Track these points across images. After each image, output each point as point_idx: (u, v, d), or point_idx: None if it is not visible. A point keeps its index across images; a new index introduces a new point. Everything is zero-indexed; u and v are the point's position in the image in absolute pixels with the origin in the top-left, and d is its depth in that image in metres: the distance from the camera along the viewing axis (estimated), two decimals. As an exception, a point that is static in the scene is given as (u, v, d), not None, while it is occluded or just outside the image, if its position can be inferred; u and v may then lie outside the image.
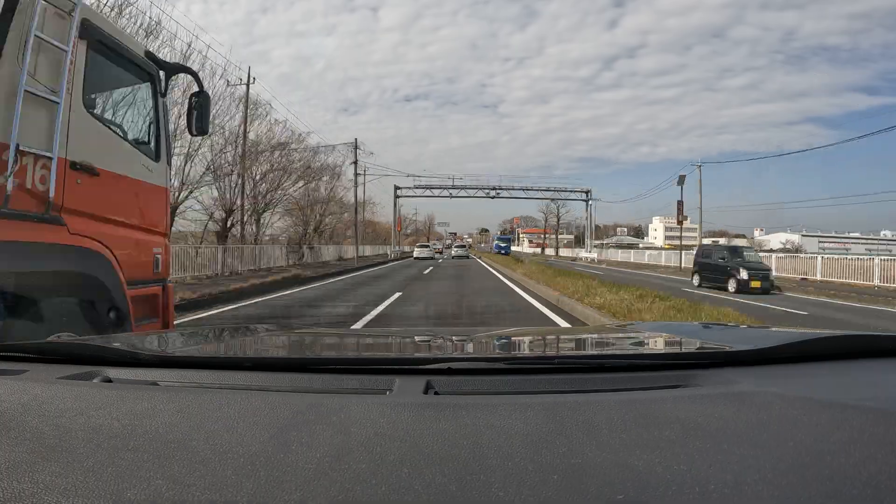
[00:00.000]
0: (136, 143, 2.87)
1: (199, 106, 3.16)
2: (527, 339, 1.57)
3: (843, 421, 0.57)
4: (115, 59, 2.67)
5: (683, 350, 1.17)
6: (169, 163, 3.25)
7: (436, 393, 0.72)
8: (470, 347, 1.31)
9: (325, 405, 0.63)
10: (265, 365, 0.94)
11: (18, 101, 1.99)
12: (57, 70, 2.21)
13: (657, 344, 1.33)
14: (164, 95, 3.07)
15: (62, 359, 0.92)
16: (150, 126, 3.00)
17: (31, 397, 0.68)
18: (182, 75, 4.01)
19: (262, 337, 1.46)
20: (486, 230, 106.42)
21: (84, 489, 0.44)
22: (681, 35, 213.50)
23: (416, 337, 1.55)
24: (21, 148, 2.02)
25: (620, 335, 1.58)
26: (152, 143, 2.99)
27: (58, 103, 2.18)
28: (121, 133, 2.81)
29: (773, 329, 1.54)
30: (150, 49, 3.16)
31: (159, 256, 2.98)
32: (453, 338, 1.49)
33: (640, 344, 1.37)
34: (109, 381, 0.80)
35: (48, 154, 2.15)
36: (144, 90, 2.98)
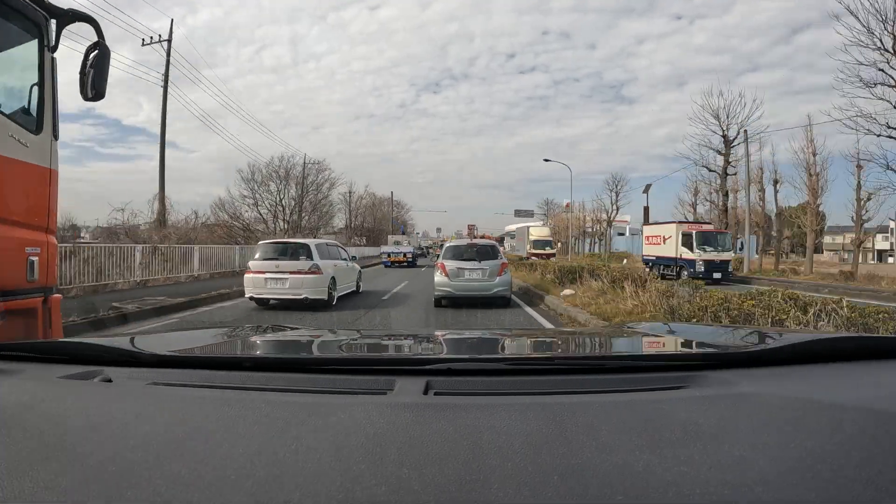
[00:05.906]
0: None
1: (98, 61, 2.39)
2: (527, 340, 1.57)
3: (843, 422, 0.57)
4: None
5: (683, 351, 1.16)
6: (56, 136, 2.47)
7: (436, 393, 0.72)
8: (470, 348, 1.31)
9: (325, 405, 0.63)
10: (265, 365, 0.93)
11: None
12: None
13: (657, 345, 1.33)
14: (53, 50, 2.41)
15: (62, 358, 0.92)
16: (30, 88, 2.37)
17: (32, 396, 0.68)
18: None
19: (262, 337, 1.45)
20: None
21: (84, 488, 0.44)
22: None
23: (415, 337, 1.55)
24: None
25: (620, 336, 1.57)
26: (33, 110, 2.35)
27: None
28: None
29: (774, 330, 1.54)
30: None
31: (35, 259, 2.28)
32: (453, 338, 1.49)
33: (640, 345, 1.37)
34: (109, 380, 0.80)
35: None
36: (24, 39, 2.33)
